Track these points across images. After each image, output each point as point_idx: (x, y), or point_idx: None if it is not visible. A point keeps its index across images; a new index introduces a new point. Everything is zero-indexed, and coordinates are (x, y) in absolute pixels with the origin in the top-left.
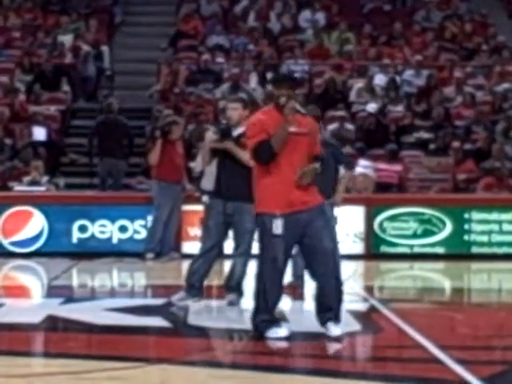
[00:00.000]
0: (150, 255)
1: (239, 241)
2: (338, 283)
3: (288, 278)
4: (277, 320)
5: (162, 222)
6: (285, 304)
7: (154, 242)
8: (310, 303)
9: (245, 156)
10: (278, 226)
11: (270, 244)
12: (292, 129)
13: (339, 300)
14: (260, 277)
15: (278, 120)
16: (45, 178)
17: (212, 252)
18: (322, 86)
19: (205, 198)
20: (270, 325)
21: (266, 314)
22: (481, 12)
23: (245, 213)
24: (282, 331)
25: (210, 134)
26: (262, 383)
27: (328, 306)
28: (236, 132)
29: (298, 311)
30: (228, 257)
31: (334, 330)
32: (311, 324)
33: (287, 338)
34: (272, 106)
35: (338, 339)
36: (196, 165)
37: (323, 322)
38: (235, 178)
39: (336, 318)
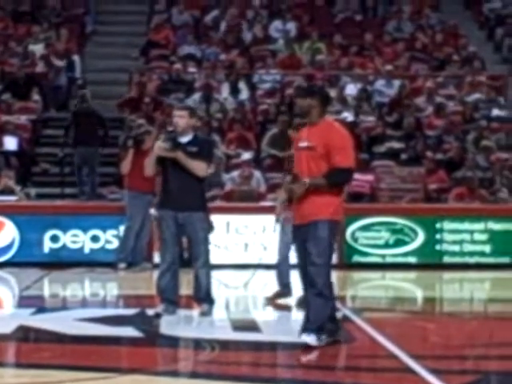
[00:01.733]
0: (122, 265)
1: (196, 251)
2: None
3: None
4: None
5: (134, 232)
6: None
7: (126, 252)
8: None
9: (194, 165)
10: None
11: None
12: (302, 144)
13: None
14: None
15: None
16: (18, 188)
17: (174, 263)
18: (292, 95)
19: (153, 211)
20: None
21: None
22: (451, 23)
23: (197, 222)
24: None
25: (159, 142)
26: None
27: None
28: (183, 140)
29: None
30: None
31: (308, 339)
32: (285, 333)
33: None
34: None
35: (310, 349)
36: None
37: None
38: (184, 187)
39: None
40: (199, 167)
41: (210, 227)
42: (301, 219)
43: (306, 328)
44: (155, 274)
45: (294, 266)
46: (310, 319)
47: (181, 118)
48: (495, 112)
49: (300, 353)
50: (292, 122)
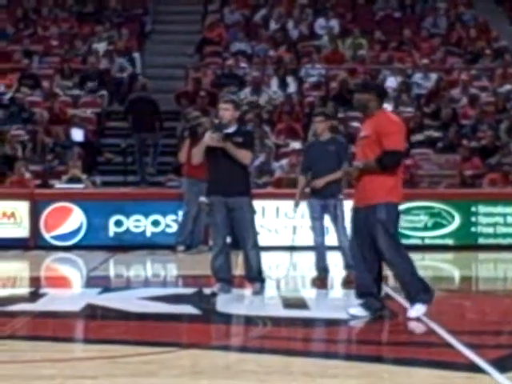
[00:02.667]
0: (180, 248)
1: (245, 234)
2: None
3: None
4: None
5: (191, 217)
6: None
7: (185, 236)
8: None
9: (242, 154)
10: None
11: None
12: (361, 134)
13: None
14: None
15: None
16: (84, 176)
17: (226, 245)
18: (336, 88)
19: (203, 198)
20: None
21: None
22: (484, 18)
23: (244, 206)
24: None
25: (209, 133)
26: (284, 367)
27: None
28: (228, 131)
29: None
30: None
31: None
32: (332, 310)
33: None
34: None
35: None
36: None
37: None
38: (233, 174)
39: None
40: (245, 156)
41: (253, 211)
42: (357, 202)
43: (410, 302)
44: (211, 255)
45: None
46: (410, 294)
47: (226, 111)
48: None
49: (344, 328)
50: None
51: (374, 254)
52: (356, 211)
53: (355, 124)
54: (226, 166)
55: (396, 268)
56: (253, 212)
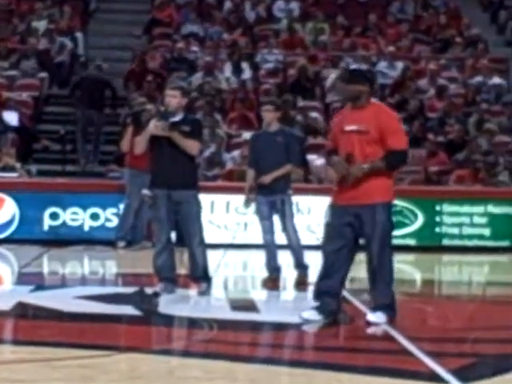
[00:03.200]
0: (121, 243)
1: (191, 230)
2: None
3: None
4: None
5: (133, 210)
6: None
7: (125, 230)
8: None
9: (189, 144)
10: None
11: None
12: (349, 127)
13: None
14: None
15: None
16: (18, 165)
17: (170, 242)
18: (295, 75)
19: (145, 191)
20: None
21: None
22: (455, 4)
23: (191, 200)
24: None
25: (154, 121)
26: (230, 373)
27: None
28: (175, 119)
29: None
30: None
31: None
32: (283, 313)
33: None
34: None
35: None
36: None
37: None
38: (179, 166)
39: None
40: (193, 146)
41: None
42: (348, 200)
43: (374, 308)
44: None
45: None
46: (378, 300)
47: (173, 98)
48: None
49: (297, 333)
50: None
51: (350, 253)
52: (341, 211)
53: (314, 114)
54: (172, 157)
55: (382, 269)
56: (199, 206)
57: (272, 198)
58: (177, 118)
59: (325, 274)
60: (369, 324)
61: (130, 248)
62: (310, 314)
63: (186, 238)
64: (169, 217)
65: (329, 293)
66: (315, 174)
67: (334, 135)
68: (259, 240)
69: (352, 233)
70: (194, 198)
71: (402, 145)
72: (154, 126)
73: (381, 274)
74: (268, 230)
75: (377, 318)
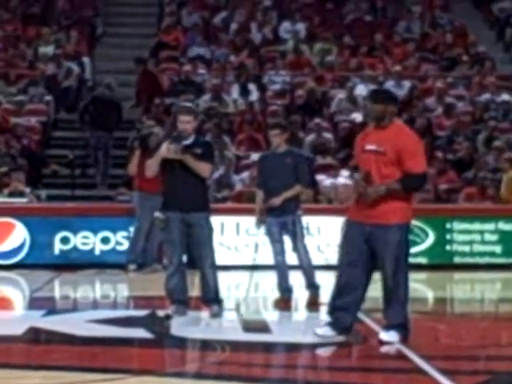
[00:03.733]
0: (132, 266)
1: (203, 253)
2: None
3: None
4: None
5: (143, 233)
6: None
7: (136, 253)
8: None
9: (201, 167)
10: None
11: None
12: (368, 147)
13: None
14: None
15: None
16: (27, 190)
17: (182, 264)
18: (303, 96)
19: (157, 214)
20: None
21: None
22: (461, 23)
23: (203, 222)
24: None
25: (166, 144)
26: None
27: None
28: (186, 142)
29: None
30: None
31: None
32: (295, 334)
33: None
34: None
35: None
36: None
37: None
38: (191, 188)
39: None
40: (205, 168)
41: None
42: (363, 218)
43: (387, 327)
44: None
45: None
46: (393, 320)
47: (188, 124)
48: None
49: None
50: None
51: (367, 272)
52: (357, 227)
53: (327, 135)
54: (184, 179)
55: (398, 289)
56: (211, 229)
57: (282, 219)
58: (189, 141)
59: (341, 290)
60: (382, 343)
61: (141, 271)
62: (323, 330)
63: (198, 260)
64: (181, 239)
65: (344, 309)
66: (324, 194)
67: (357, 153)
68: (269, 261)
69: (367, 250)
70: (205, 221)
71: (419, 168)
72: (167, 149)
73: (396, 293)
74: (279, 252)
75: (390, 337)
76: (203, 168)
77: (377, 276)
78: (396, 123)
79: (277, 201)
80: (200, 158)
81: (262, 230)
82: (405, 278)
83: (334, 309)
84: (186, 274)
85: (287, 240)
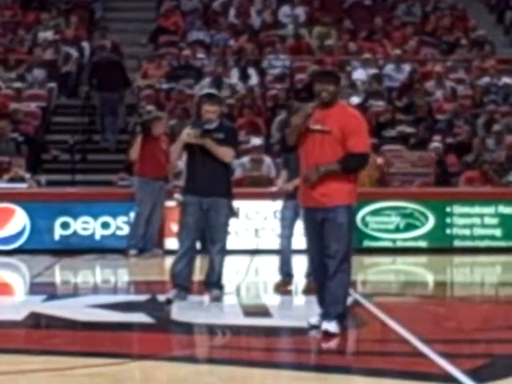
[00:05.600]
0: (132, 251)
1: (215, 237)
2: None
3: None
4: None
5: (143, 218)
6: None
7: (137, 239)
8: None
9: (222, 151)
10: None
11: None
12: (314, 126)
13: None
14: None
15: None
16: (27, 175)
17: (193, 249)
18: (303, 80)
19: (177, 196)
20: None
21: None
22: (461, 6)
23: (221, 208)
24: None
25: (187, 129)
26: (244, 379)
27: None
28: (209, 126)
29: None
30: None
31: (329, 326)
32: (296, 318)
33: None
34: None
35: (330, 335)
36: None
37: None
38: (211, 173)
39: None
40: (226, 153)
41: (233, 213)
42: (314, 203)
43: (327, 315)
44: (166, 260)
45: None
46: (331, 307)
47: (214, 113)
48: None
49: (320, 339)
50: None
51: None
52: (311, 212)
53: None
54: (204, 164)
55: (341, 276)
56: (230, 215)
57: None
58: (212, 126)
59: (322, 282)
60: (325, 334)
61: (142, 256)
62: (316, 319)
63: (209, 243)
64: (197, 224)
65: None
66: None
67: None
68: (270, 246)
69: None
70: (224, 207)
71: (360, 148)
72: (187, 134)
73: (339, 278)
74: (286, 235)
75: (334, 327)
76: (224, 153)
77: (374, 260)
78: (340, 103)
79: (289, 186)
80: (221, 143)
81: (262, 214)
82: (348, 262)
83: (322, 299)
84: (194, 260)
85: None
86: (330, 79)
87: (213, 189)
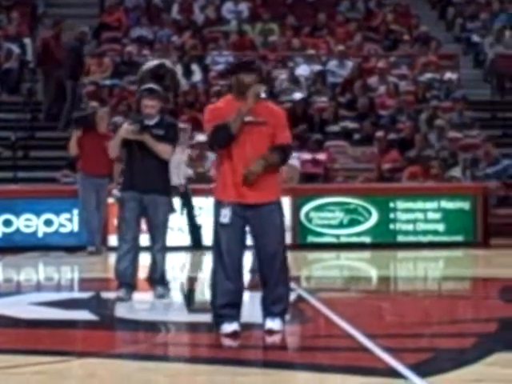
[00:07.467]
0: (91, 248)
1: (155, 234)
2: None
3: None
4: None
5: (90, 214)
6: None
7: (92, 235)
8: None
9: (161, 148)
10: (225, 215)
11: (216, 233)
12: (247, 118)
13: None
14: (212, 268)
15: (235, 108)
16: None
17: (135, 246)
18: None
19: (116, 192)
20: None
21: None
22: (403, 2)
23: (160, 205)
24: (227, 327)
25: (126, 125)
26: (189, 375)
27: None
28: (149, 122)
29: None
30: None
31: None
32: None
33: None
34: (232, 95)
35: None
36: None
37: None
38: (149, 170)
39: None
40: (165, 150)
41: (171, 209)
42: (244, 198)
43: (270, 313)
44: (109, 256)
45: None
46: (275, 305)
47: (153, 108)
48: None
49: (264, 336)
50: None
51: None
52: (237, 208)
53: None
54: (142, 161)
55: (283, 274)
56: (169, 212)
57: None
58: (151, 122)
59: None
60: (270, 332)
61: (84, 252)
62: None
63: (150, 241)
64: (136, 219)
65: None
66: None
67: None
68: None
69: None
70: (163, 204)
71: (289, 140)
72: (125, 130)
73: (280, 277)
74: None
75: (278, 325)
76: (162, 149)
77: (318, 255)
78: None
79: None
80: (161, 139)
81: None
82: (285, 259)
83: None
84: (138, 255)
85: None
86: (254, 70)
87: (152, 185)
